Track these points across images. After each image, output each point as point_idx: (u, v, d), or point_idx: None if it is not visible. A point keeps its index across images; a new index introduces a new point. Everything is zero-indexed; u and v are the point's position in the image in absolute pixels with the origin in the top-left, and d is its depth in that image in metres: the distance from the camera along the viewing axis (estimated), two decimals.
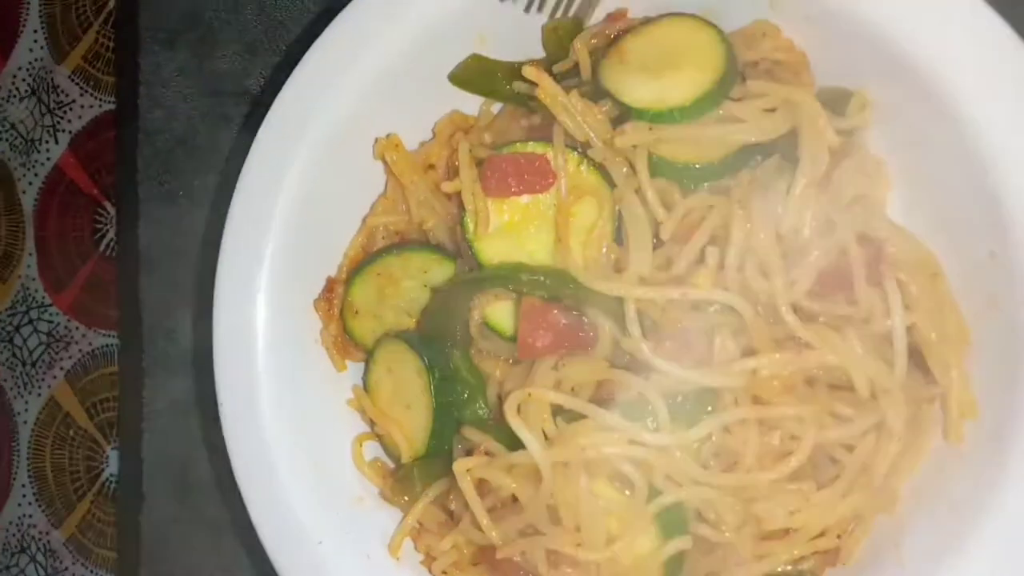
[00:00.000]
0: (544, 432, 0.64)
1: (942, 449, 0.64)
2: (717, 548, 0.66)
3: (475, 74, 0.74)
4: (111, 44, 1.09)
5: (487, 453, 0.67)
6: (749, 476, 0.63)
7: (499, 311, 0.71)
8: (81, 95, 1.04)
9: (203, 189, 0.93)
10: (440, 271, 0.74)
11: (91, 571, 0.99)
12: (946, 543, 0.59)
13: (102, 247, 1.06)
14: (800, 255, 0.65)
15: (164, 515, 0.91)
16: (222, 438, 0.89)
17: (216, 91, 0.93)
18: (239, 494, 0.86)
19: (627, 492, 0.64)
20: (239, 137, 0.92)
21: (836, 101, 0.68)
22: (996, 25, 0.60)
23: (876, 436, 0.65)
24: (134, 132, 0.96)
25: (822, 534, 0.64)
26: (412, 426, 0.72)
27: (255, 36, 0.92)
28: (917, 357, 0.66)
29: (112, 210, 1.10)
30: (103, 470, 1.04)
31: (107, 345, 1.05)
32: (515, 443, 0.66)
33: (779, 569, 0.65)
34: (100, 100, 1.06)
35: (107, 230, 1.07)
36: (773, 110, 0.66)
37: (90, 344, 1.04)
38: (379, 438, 0.75)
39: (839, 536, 0.64)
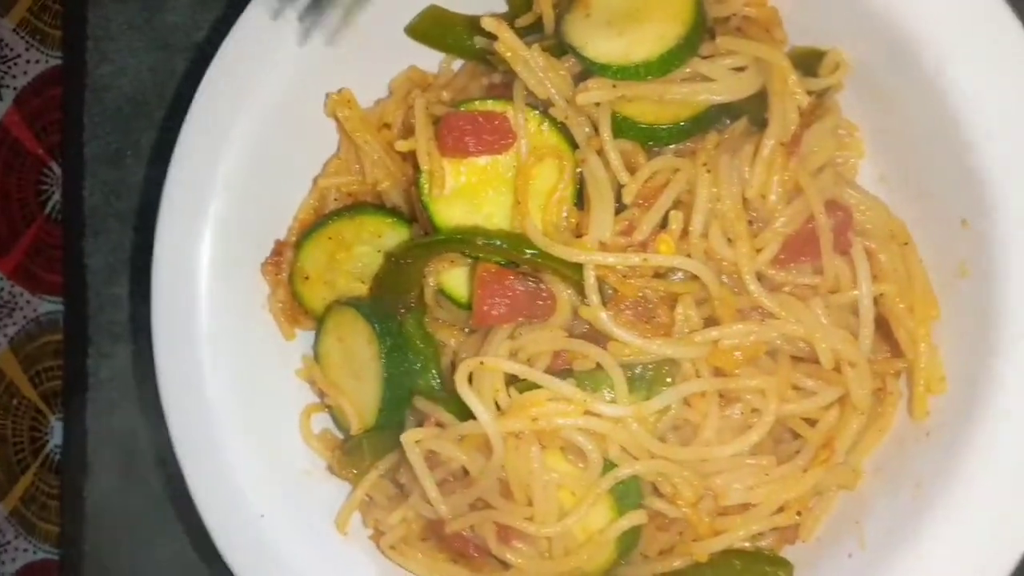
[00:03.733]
0: (497, 403, 0.61)
1: (906, 425, 0.62)
2: (673, 523, 0.64)
3: (434, 26, 0.71)
4: None
5: (438, 424, 0.64)
6: (708, 450, 0.61)
7: (455, 277, 0.68)
8: (27, 49, 0.99)
9: (150, 148, 0.89)
10: (394, 235, 0.71)
11: (34, 545, 0.96)
12: (908, 524, 0.57)
13: (47, 209, 1.02)
14: (766, 221, 0.63)
15: (108, 487, 0.89)
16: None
17: (166, 45, 0.89)
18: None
19: (581, 465, 0.61)
20: (185, 93, 0.88)
21: (809, 61, 0.65)
22: None
23: (839, 410, 0.63)
24: (81, 89, 0.92)
25: (781, 510, 0.62)
26: (362, 397, 0.69)
27: None
28: (884, 329, 0.64)
29: (58, 171, 1.06)
30: (47, 441, 1.00)
31: (52, 312, 1.01)
32: (468, 414, 0.63)
33: (736, 546, 0.63)
34: (46, 55, 1.01)
35: (52, 192, 1.03)
36: (743, 69, 0.63)
37: (35, 311, 1.00)
38: (329, 409, 0.72)
39: (799, 513, 0.62)
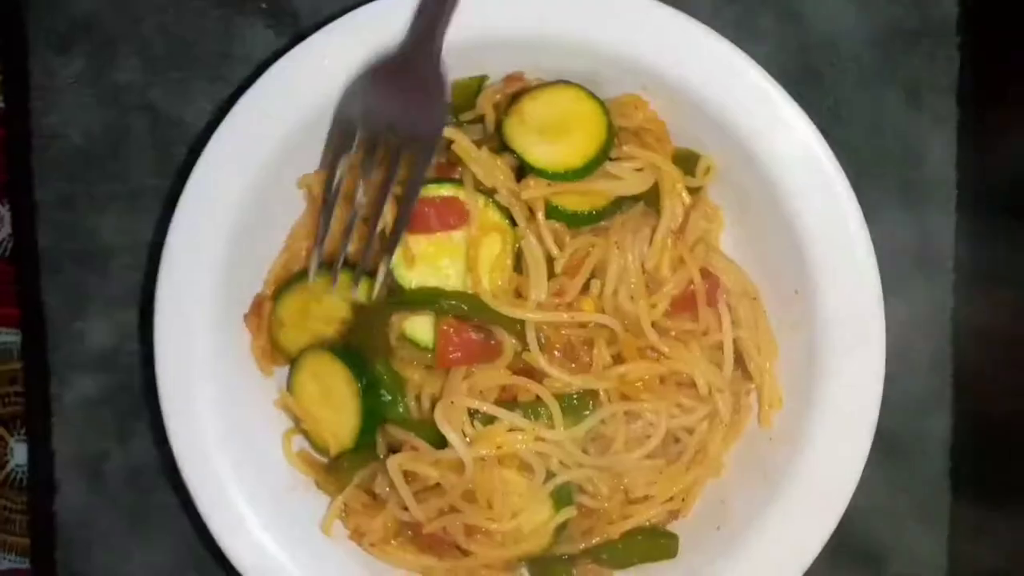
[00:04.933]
0: (464, 432, 0.79)
1: (755, 431, 0.86)
2: (593, 512, 0.84)
3: None
4: None
5: (412, 448, 0.81)
6: (619, 457, 0.82)
7: (415, 324, 0.83)
8: None
9: (107, 197, 0.95)
10: (359, 288, 0.86)
11: (3, 557, 1.02)
12: (759, 505, 0.81)
13: None
14: (659, 285, 0.83)
15: (78, 503, 0.96)
16: (136, 432, 0.97)
17: (115, 101, 0.95)
18: (169, 485, 0.95)
19: (528, 476, 0.81)
20: (141, 151, 0.95)
21: (687, 161, 0.86)
22: (801, 116, 0.80)
23: (710, 422, 0.85)
24: (26, 135, 0.96)
25: (671, 499, 0.84)
26: (340, 426, 0.84)
27: (158, 52, 0.95)
28: (739, 361, 0.86)
29: (4, 210, 1.09)
30: (8, 461, 1.05)
31: (4, 343, 1.05)
32: (434, 438, 0.81)
33: (639, 525, 0.85)
34: None
35: None
36: (641, 169, 0.83)
37: None
38: (304, 434, 0.87)
39: (684, 499, 0.85)
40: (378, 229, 0.79)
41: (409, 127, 0.78)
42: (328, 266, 0.85)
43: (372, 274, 0.80)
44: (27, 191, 0.97)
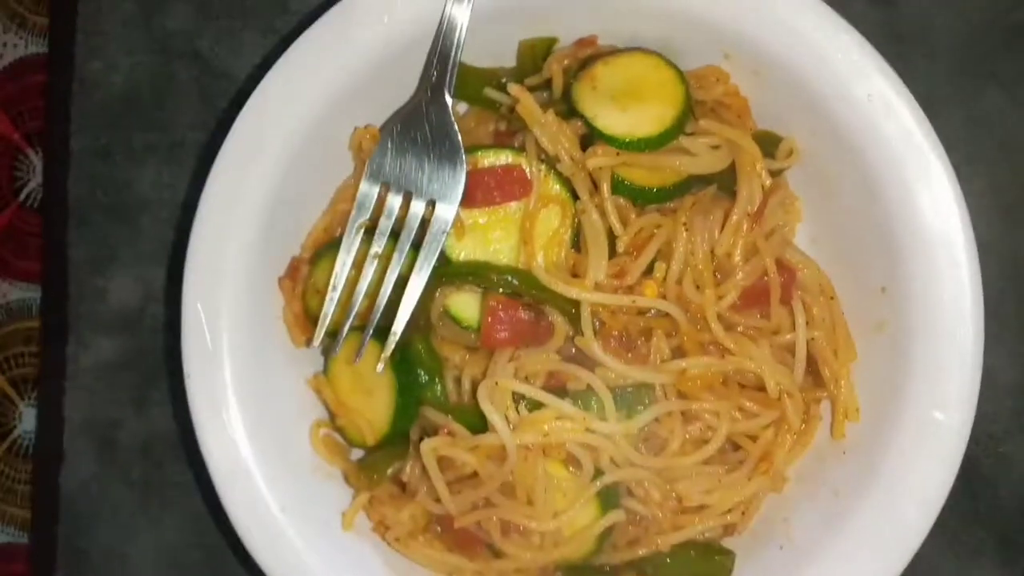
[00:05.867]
0: (507, 417, 0.72)
1: (826, 444, 0.78)
2: (642, 520, 0.76)
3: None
4: None
5: (449, 433, 0.74)
6: (675, 460, 0.74)
7: (460, 302, 0.77)
8: (4, 32, 0.97)
9: (143, 149, 0.91)
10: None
11: (1, 530, 0.96)
12: (829, 522, 0.73)
13: (22, 197, 1.01)
14: (728, 274, 0.76)
15: (85, 475, 0.91)
16: (153, 401, 0.91)
17: (163, 48, 0.91)
18: (184, 460, 0.89)
19: (574, 471, 0.73)
20: (185, 99, 0.91)
21: (767, 143, 0.79)
22: (904, 95, 0.73)
23: (776, 429, 0.78)
24: (67, 82, 0.92)
25: (729, 511, 0.76)
26: (374, 412, 0.77)
27: None
28: (812, 365, 0.79)
29: (35, 159, 1.05)
30: (15, 427, 1.00)
31: (24, 299, 1.00)
32: (473, 423, 0.74)
33: (691, 538, 0.77)
34: (26, 41, 0.99)
35: (28, 179, 1.02)
36: (718, 147, 0.76)
37: (4, 296, 0.99)
38: (339, 430, 0.79)
39: (743, 512, 0.77)
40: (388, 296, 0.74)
41: (426, 184, 0.73)
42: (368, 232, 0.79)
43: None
44: (63, 139, 0.93)
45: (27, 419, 1.04)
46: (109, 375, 0.92)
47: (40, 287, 1.04)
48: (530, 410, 0.72)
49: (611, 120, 0.73)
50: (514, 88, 0.74)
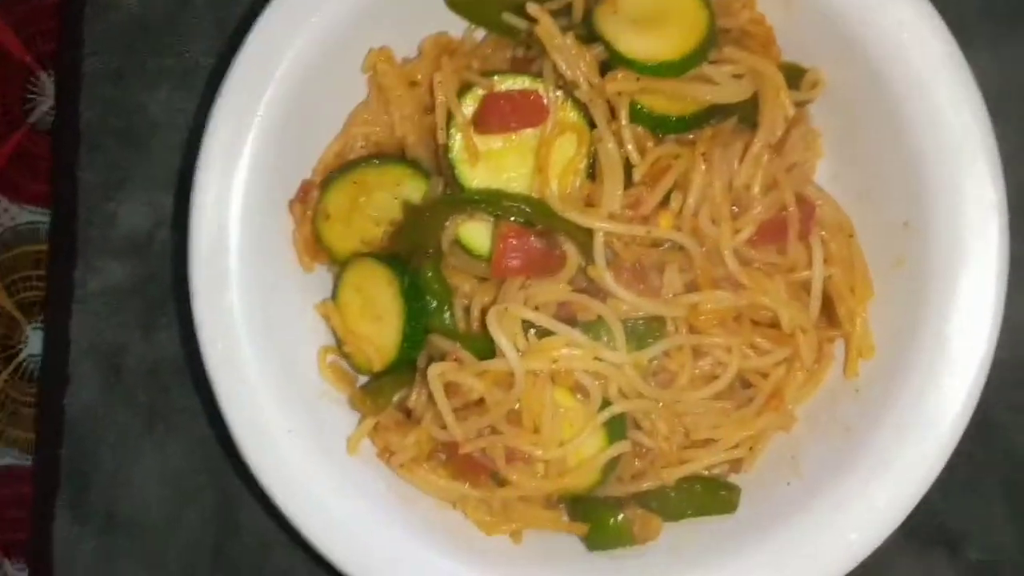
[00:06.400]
0: (516, 344, 0.71)
1: (838, 382, 0.77)
2: (648, 452, 0.76)
3: (472, 1, 0.77)
4: None
5: (457, 359, 0.74)
6: (684, 393, 0.74)
7: (471, 230, 0.76)
8: None
9: (156, 72, 0.90)
10: (412, 186, 0.78)
11: (5, 452, 0.97)
12: (840, 458, 0.72)
13: (33, 119, 1.00)
14: (746, 208, 0.75)
15: (90, 398, 0.91)
16: (162, 324, 0.91)
17: None
18: (191, 385, 0.88)
19: (582, 400, 0.72)
20: (199, 22, 0.89)
21: (792, 75, 0.77)
22: (936, 23, 0.70)
23: (787, 367, 0.76)
24: (80, 4, 0.91)
25: (736, 446, 0.76)
26: (382, 338, 0.76)
27: None
28: (827, 303, 0.77)
29: (48, 81, 1.04)
30: (20, 350, 1.00)
31: (32, 222, 1.00)
32: (482, 351, 0.73)
33: (696, 472, 0.76)
34: None
35: (39, 101, 1.01)
36: (741, 76, 0.74)
37: (12, 219, 0.99)
38: (346, 356, 0.79)
39: (750, 448, 0.76)
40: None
41: None
42: (382, 158, 0.78)
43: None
44: (75, 62, 0.92)
45: (33, 342, 1.04)
46: (117, 299, 0.91)
47: (49, 211, 1.03)
48: (539, 338, 0.71)
49: (632, 43, 0.71)
50: (533, 8, 0.72)
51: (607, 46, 0.72)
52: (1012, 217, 0.70)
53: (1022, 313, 0.84)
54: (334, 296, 0.79)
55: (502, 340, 0.70)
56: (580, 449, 0.73)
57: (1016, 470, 0.87)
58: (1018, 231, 0.71)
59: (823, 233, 0.77)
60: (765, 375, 0.77)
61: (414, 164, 0.79)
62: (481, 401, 0.73)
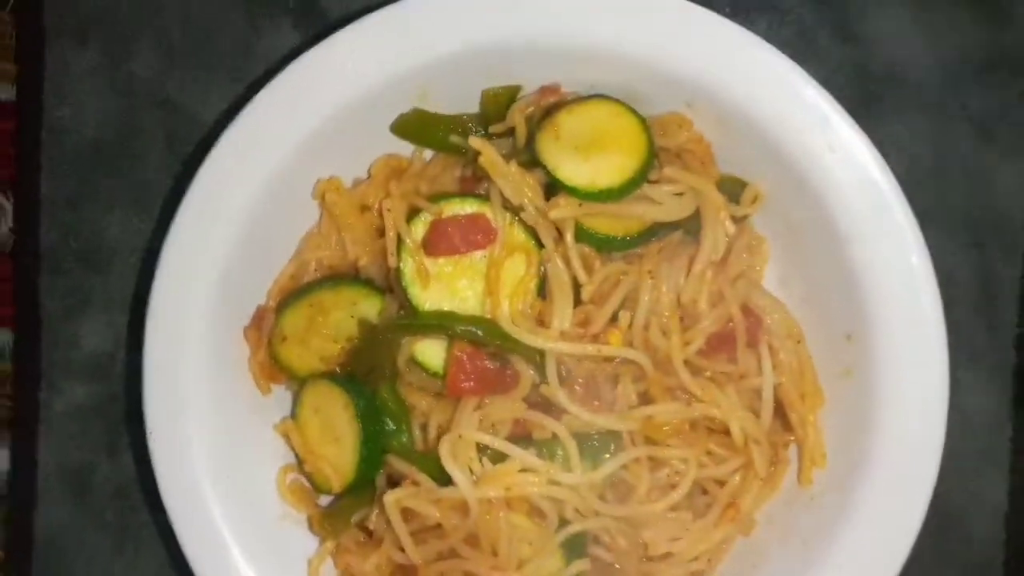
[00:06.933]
0: (471, 469, 0.72)
1: (794, 490, 0.78)
2: (608, 567, 0.76)
3: (416, 126, 0.79)
4: (12, 32, 1.03)
5: (414, 483, 0.74)
6: (641, 507, 0.74)
7: (426, 349, 0.77)
8: None
9: (115, 196, 0.91)
10: (368, 304, 0.79)
11: None
12: (799, 570, 0.73)
13: None
14: (694, 320, 0.76)
15: (60, 518, 0.91)
16: (127, 444, 0.91)
17: (130, 93, 0.91)
18: (156, 506, 0.88)
19: (539, 522, 0.73)
20: (151, 148, 0.90)
21: (733, 188, 0.79)
22: (865, 145, 0.73)
23: (743, 475, 0.77)
24: (37, 128, 0.92)
25: (696, 558, 0.76)
26: (341, 457, 0.77)
27: (174, 41, 0.91)
28: (779, 409, 0.78)
29: (7, 204, 1.05)
30: None
31: None
32: (439, 472, 0.74)
33: None
34: None
35: None
36: (682, 194, 0.76)
37: None
38: (307, 476, 0.79)
39: (709, 560, 0.77)
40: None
41: None
42: (336, 279, 0.80)
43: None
44: (33, 186, 0.93)
45: (1, 461, 1.04)
46: (82, 420, 0.92)
47: (12, 331, 1.04)
48: (494, 462, 0.72)
49: (573, 171, 0.73)
50: (475, 141, 0.74)
51: (549, 174, 0.73)
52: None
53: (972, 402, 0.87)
54: (294, 415, 0.80)
55: (455, 472, 0.71)
56: (540, 570, 0.73)
57: (977, 555, 0.87)
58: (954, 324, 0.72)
59: (772, 341, 0.78)
60: (721, 483, 0.77)
61: (368, 283, 0.80)
62: (440, 524, 0.74)
